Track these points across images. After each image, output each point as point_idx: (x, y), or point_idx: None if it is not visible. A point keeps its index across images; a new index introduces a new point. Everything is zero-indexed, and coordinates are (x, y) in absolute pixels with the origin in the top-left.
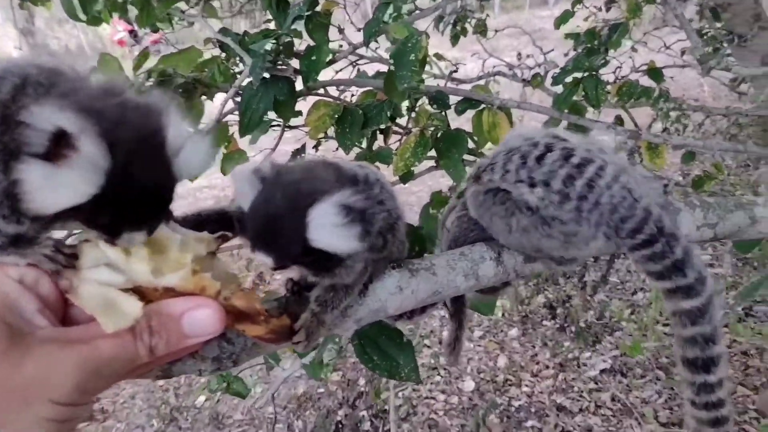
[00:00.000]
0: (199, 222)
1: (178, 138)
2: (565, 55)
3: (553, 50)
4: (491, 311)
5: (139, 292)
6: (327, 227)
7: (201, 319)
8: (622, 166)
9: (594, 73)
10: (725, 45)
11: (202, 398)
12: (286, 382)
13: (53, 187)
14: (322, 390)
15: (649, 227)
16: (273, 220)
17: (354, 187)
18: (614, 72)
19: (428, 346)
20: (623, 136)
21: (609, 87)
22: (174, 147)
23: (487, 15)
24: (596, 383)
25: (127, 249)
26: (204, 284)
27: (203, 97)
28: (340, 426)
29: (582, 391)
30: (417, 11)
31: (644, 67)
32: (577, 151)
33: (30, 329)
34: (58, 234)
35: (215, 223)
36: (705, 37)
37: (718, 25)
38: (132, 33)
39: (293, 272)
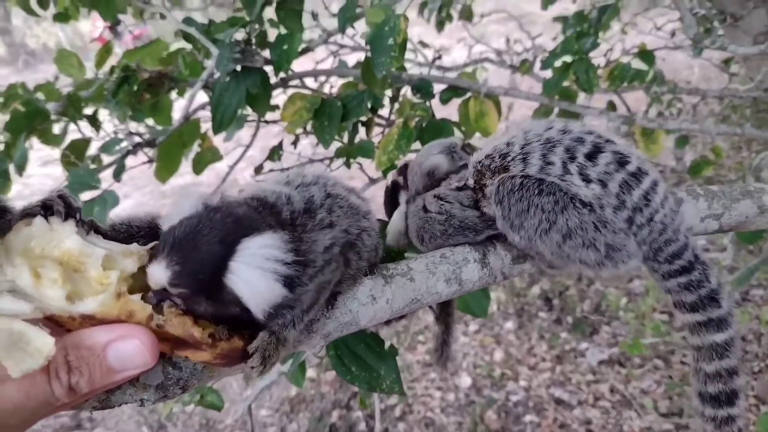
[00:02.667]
0: (130, 234)
1: None
2: (554, 39)
3: (541, 35)
4: (484, 313)
5: (53, 321)
6: (255, 261)
7: (128, 351)
8: (662, 179)
9: (584, 56)
10: (717, 25)
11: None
12: (277, 385)
13: None
14: (314, 392)
15: (688, 253)
16: (195, 233)
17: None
18: (605, 55)
19: (422, 342)
20: (616, 122)
21: (600, 71)
22: None
23: (472, 0)
24: (594, 375)
25: (36, 271)
26: (131, 308)
27: (175, 93)
28: (335, 428)
29: (580, 383)
30: None
31: (635, 50)
32: (632, 158)
33: None
34: None
35: (148, 235)
36: (696, 16)
37: (709, 4)
38: (112, 29)
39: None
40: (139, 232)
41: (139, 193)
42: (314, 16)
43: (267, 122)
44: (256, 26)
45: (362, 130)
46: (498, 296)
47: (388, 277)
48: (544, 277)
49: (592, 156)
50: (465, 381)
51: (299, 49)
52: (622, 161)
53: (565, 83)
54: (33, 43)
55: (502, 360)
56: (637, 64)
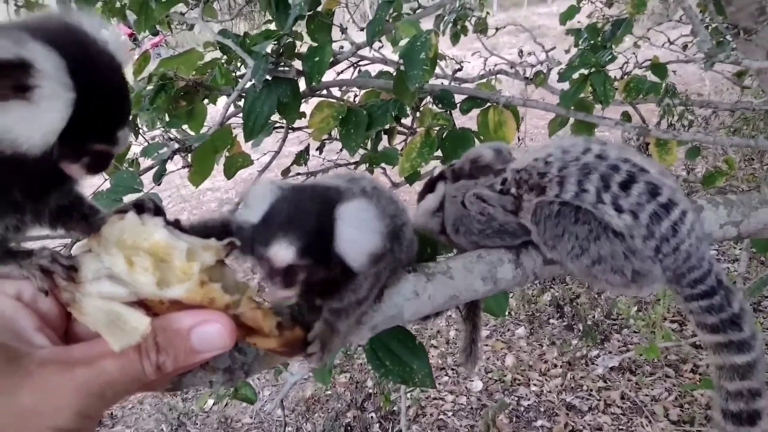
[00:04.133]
0: (205, 233)
1: (95, 30)
2: (566, 51)
3: (554, 48)
4: (503, 312)
5: (143, 305)
6: (356, 223)
7: (211, 334)
8: (691, 209)
9: (601, 69)
10: (729, 39)
11: (210, 402)
12: (294, 385)
13: (31, 118)
14: (329, 392)
15: (711, 279)
16: (301, 210)
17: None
18: (621, 68)
19: (435, 346)
20: (631, 133)
21: (616, 83)
22: (95, 36)
23: (488, 13)
24: (605, 381)
25: (129, 259)
26: (213, 296)
27: (205, 101)
28: (350, 428)
29: (591, 390)
30: (420, 9)
31: (647, 63)
32: (663, 189)
33: (28, 350)
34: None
35: (221, 233)
36: (708, 30)
37: (721, 18)
38: (132, 36)
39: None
40: (213, 231)
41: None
42: (343, 29)
43: (294, 129)
44: (289, 38)
45: (384, 138)
46: (509, 302)
47: (429, 274)
48: (557, 279)
49: (625, 186)
50: (477, 385)
51: (330, 60)
52: (653, 192)
53: (581, 95)
54: None
55: (514, 365)
56: (649, 76)
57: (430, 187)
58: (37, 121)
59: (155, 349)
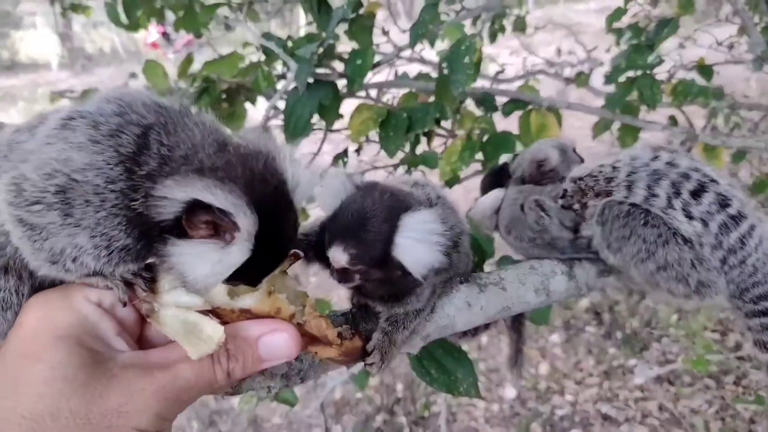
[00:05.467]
0: None
1: (295, 176)
2: (607, 51)
3: (596, 48)
4: (546, 321)
5: (215, 313)
6: (418, 235)
7: (278, 343)
8: (759, 224)
9: (649, 71)
10: None
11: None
12: (323, 387)
13: (211, 263)
14: (360, 395)
15: None
16: (363, 216)
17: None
18: (669, 71)
19: (467, 352)
20: (678, 138)
21: (663, 86)
22: (294, 185)
23: (527, 12)
24: (642, 391)
25: None
26: (279, 306)
27: (246, 102)
28: None
29: (628, 400)
30: (463, 11)
31: (692, 64)
32: (733, 201)
33: (110, 353)
34: None
35: None
36: (758, 29)
37: None
38: (165, 35)
39: (352, 285)
40: None
41: None
42: (385, 32)
43: (332, 131)
44: (330, 42)
45: (423, 140)
46: None
47: (482, 285)
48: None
49: (696, 194)
50: (510, 392)
51: (372, 64)
52: (724, 203)
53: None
54: (90, 47)
55: (548, 373)
56: (694, 76)
57: (495, 181)
58: (208, 270)
59: (226, 356)
